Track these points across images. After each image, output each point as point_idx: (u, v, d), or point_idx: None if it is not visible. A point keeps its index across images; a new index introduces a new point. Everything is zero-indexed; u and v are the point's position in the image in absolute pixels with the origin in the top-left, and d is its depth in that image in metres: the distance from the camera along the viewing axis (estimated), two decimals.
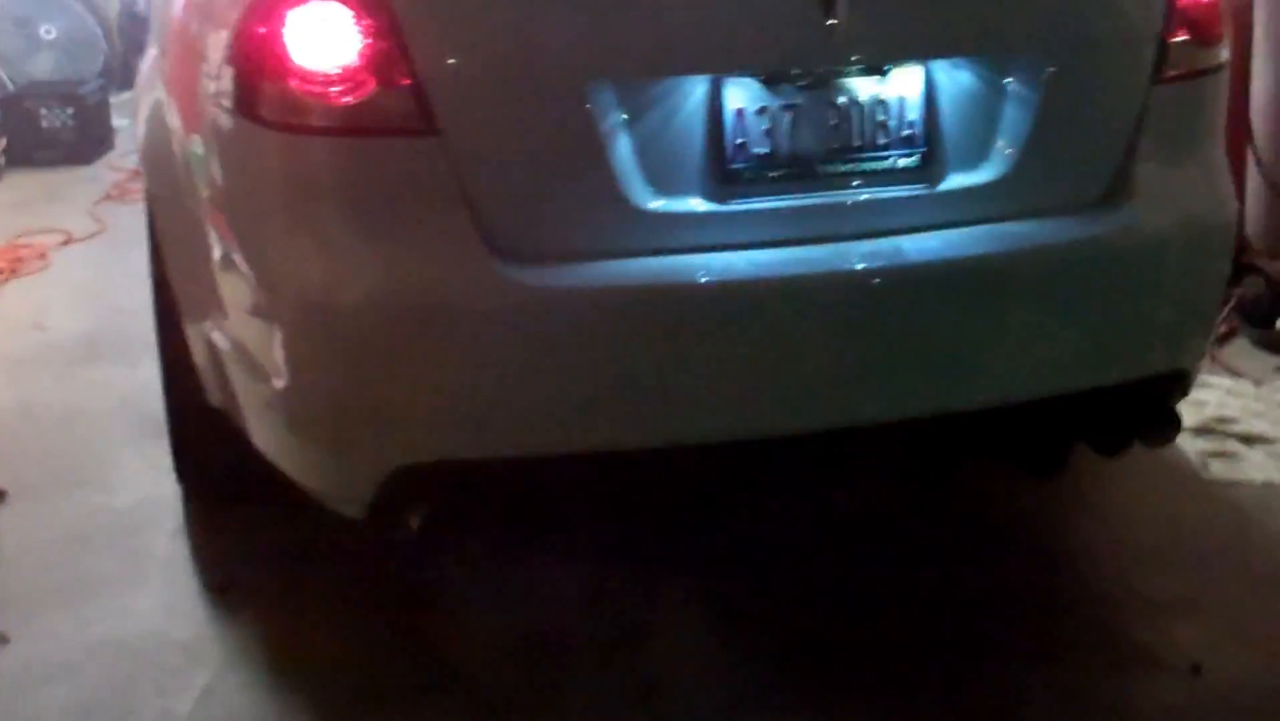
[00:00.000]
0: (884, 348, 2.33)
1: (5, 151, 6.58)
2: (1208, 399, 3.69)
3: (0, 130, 6.62)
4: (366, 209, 2.20)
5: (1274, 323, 4.00)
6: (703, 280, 2.25)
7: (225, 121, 2.30)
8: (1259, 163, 4.51)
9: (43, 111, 6.72)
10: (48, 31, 7.68)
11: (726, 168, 2.29)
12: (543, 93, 2.20)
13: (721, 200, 2.29)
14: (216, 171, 2.37)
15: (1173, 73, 2.50)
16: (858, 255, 2.30)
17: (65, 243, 5.45)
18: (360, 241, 2.20)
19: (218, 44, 2.33)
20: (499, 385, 2.23)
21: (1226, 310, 4.18)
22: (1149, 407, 2.62)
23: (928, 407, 2.38)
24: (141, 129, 2.95)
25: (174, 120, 2.62)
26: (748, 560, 2.93)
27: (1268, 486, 3.28)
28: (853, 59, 2.30)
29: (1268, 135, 4.56)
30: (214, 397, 2.66)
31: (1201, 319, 2.62)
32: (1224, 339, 4.14)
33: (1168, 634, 2.65)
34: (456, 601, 2.83)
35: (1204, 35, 2.53)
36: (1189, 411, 3.57)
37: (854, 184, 2.35)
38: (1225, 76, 2.62)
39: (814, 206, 2.33)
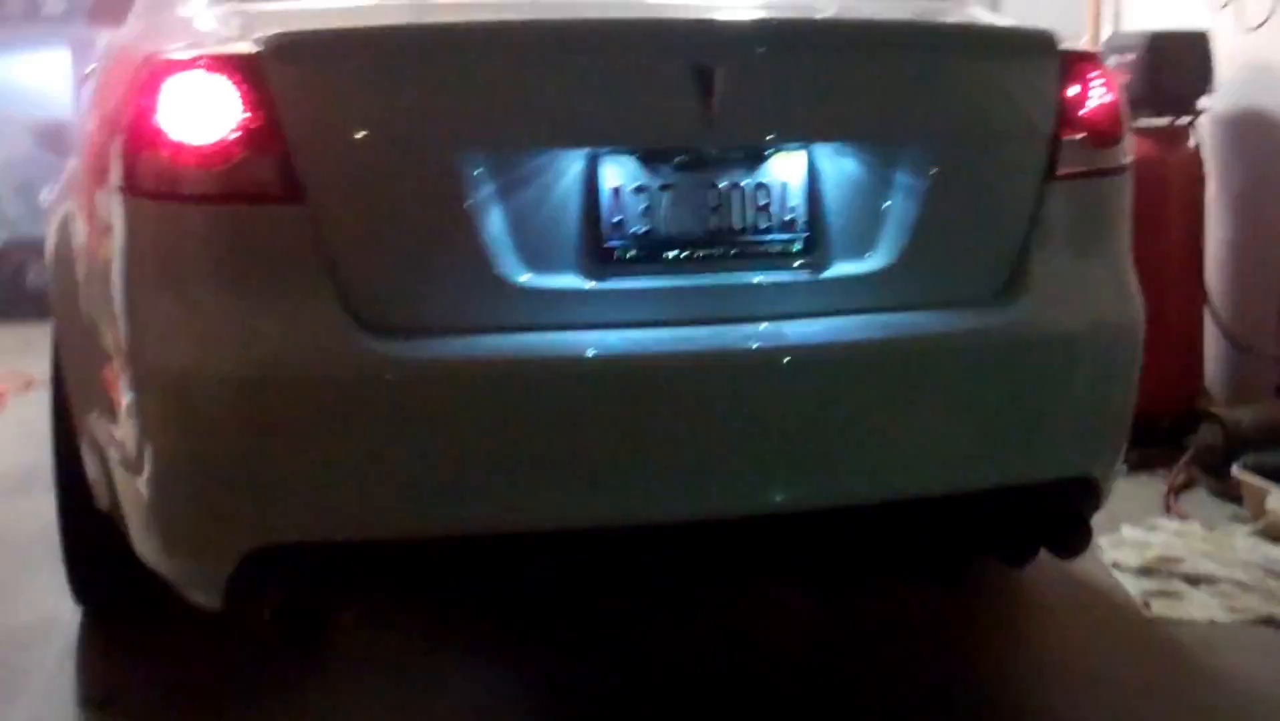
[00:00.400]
0: (762, 434, 2.25)
1: None
2: (1154, 541, 3.56)
3: None
4: (228, 276, 2.16)
5: (1229, 471, 3.89)
6: (574, 358, 2.19)
7: (110, 199, 2.28)
8: (1214, 315, 4.47)
9: (29, 268, 6.81)
10: (46, 198, 7.82)
11: (602, 245, 2.25)
12: (411, 163, 2.18)
13: (597, 278, 2.24)
14: (101, 250, 2.35)
15: (1068, 170, 2.46)
16: (736, 338, 2.25)
17: (26, 386, 5.48)
18: (222, 310, 2.15)
19: (107, 128, 2.34)
20: (358, 463, 2.15)
21: (1184, 459, 4.09)
22: (1055, 515, 2.51)
23: (808, 499, 2.28)
24: (49, 239, 2.95)
25: (73, 215, 2.62)
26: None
27: (1212, 625, 3.13)
28: (731, 141, 2.27)
29: (1223, 290, 4.55)
30: (101, 501, 2.59)
31: (1107, 424, 2.51)
32: (1181, 488, 4.03)
33: None
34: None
35: (1101, 135, 2.50)
36: (1133, 552, 3.49)
37: (734, 267, 2.30)
38: (1128, 180, 2.58)
39: (692, 288, 2.28)
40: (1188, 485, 4.08)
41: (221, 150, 2.14)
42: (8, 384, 5.45)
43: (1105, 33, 4.97)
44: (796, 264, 2.32)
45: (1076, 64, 2.50)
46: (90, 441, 2.55)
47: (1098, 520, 3.40)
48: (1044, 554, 3.37)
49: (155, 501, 2.21)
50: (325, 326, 2.14)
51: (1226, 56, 4.40)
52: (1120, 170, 2.56)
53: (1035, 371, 2.40)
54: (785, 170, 2.31)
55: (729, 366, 2.24)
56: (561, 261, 2.23)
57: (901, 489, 2.33)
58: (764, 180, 2.30)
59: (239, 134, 2.14)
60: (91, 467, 2.60)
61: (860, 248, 2.34)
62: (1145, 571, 3.39)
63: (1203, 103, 4.37)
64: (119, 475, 2.34)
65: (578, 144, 2.23)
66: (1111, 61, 4.34)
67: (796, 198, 2.31)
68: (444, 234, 2.19)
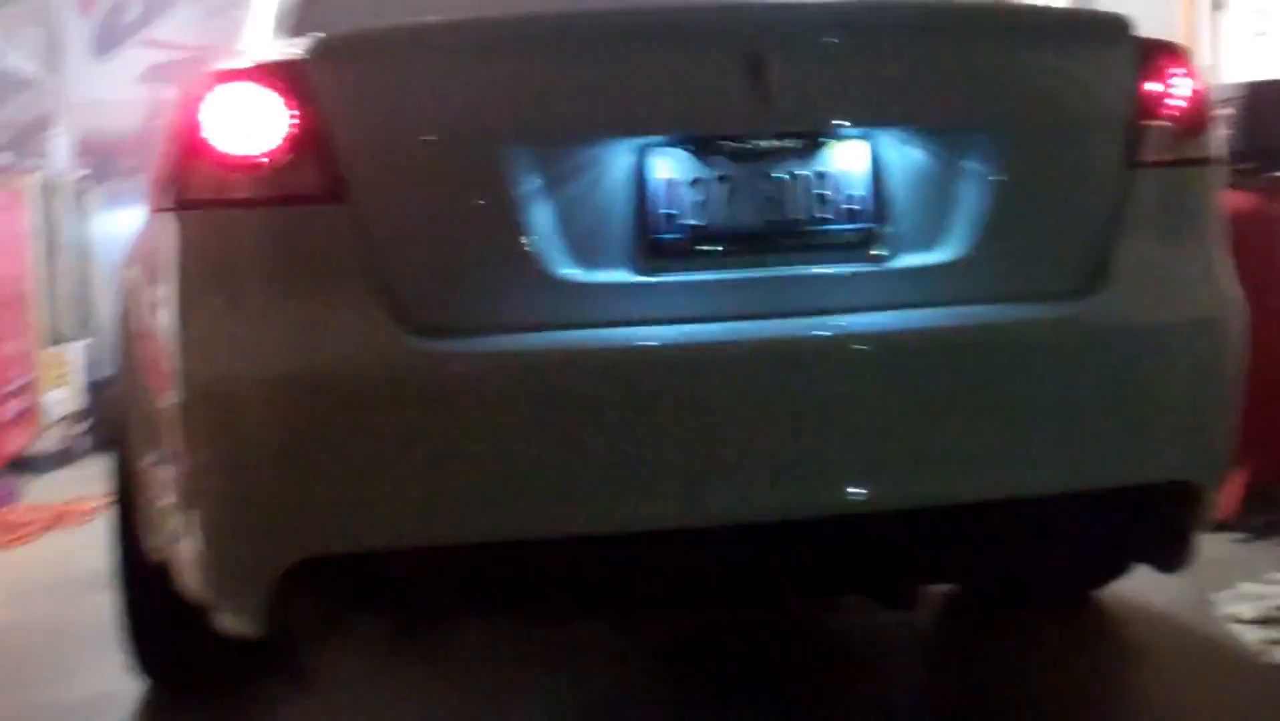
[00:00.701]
0: (830, 432, 2.12)
1: (91, 432, 6.73)
2: (1272, 593, 3.32)
3: (89, 413, 6.79)
4: (272, 278, 2.11)
5: None
6: (628, 353, 2.09)
7: (165, 221, 2.25)
8: None
9: None
10: None
11: (654, 239, 2.16)
12: (455, 159, 2.12)
13: (649, 272, 2.15)
14: (158, 272, 2.30)
15: (1150, 159, 2.33)
16: (797, 330, 2.13)
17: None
18: (268, 315, 2.10)
19: (163, 157, 2.32)
20: (405, 468, 2.06)
21: None
22: (1154, 525, 2.33)
23: (878, 502, 2.13)
24: (116, 306, 2.93)
25: (133, 265, 2.60)
26: None
27: None
28: (787, 130, 2.18)
29: None
30: (151, 541, 2.51)
31: (1204, 425, 2.33)
32: None
33: None
34: None
35: (1182, 124, 2.37)
36: (1251, 606, 3.24)
37: (794, 259, 2.19)
38: (1216, 171, 2.44)
39: (750, 280, 2.17)
40: None
41: (266, 154, 2.10)
42: (97, 502, 5.46)
43: None
44: (861, 255, 2.21)
45: (1154, 52, 2.39)
46: (143, 482, 2.48)
47: (1214, 579, 3.28)
48: (1155, 608, 3.30)
49: (202, 510, 2.13)
50: (370, 327, 2.07)
51: None
52: (1206, 161, 2.42)
53: (1122, 367, 2.25)
54: (847, 159, 2.22)
55: (790, 360, 2.13)
56: (612, 256, 2.14)
57: (980, 491, 2.18)
58: (824, 169, 2.21)
59: (282, 138, 2.09)
60: (143, 510, 2.53)
61: (930, 238, 2.23)
62: (1264, 622, 3.15)
63: None
64: (167, 499, 2.25)
65: (626, 136, 2.16)
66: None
67: (859, 187, 2.21)
68: (489, 230, 2.12)
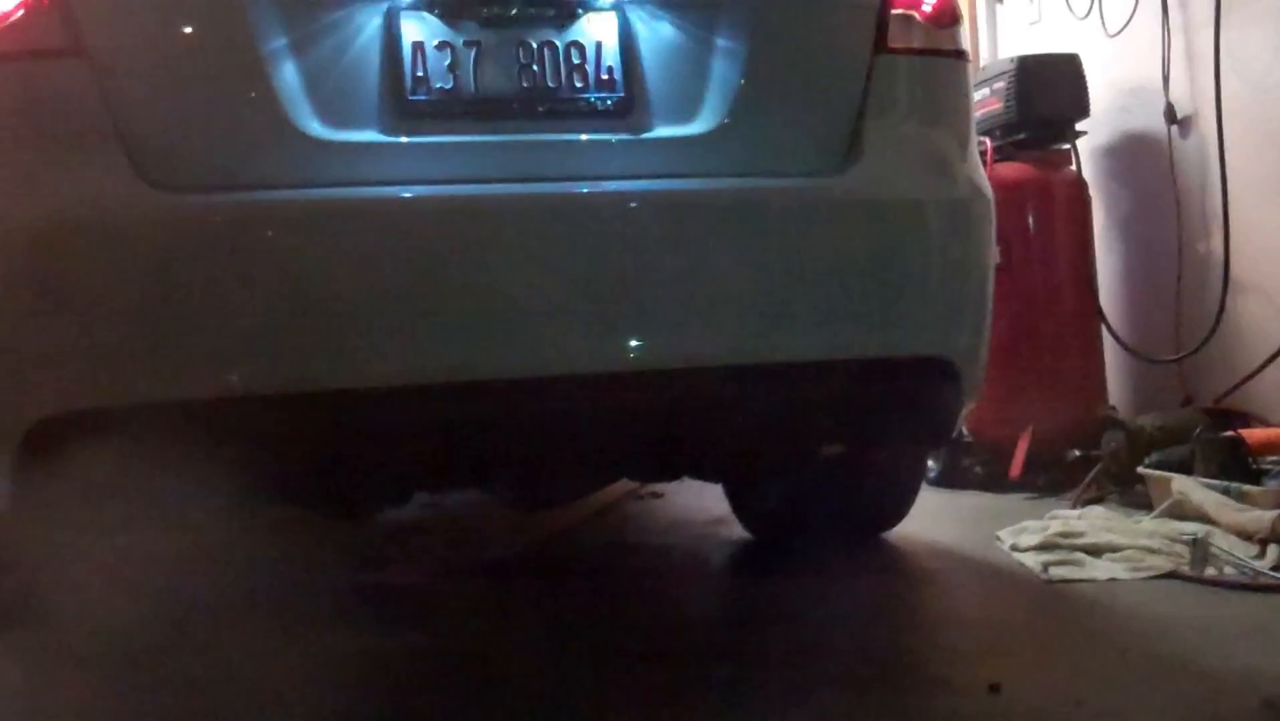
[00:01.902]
0: (576, 291, 2.12)
1: None
2: (1053, 526, 3.38)
3: None
4: (13, 133, 2.05)
5: (1136, 478, 3.73)
6: (371, 210, 2.07)
7: None
8: (1111, 332, 4.41)
9: None
10: None
11: (403, 100, 2.15)
12: (200, 13, 2.10)
13: (399, 133, 2.14)
14: None
15: (900, 45, 2.40)
16: (546, 192, 2.13)
17: None
18: (8, 166, 2.04)
19: None
20: (147, 321, 2.01)
21: (1091, 475, 3.94)
22: (911, 401, 2.37)
23: (625, 360, 2.15)
24: None
25: None
26: None
27: (1114, 582, 2.93)
28: None
29: (1120, 314, 4.49)
30: None
31: (956, 303, 2.39)
32: (1090, 504, 3.86)
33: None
34: None
35: (929, 16, 2.45)
36: (1032, 536, 3.30)
37: (548, 126, 2.20)
38: (964, 65, 2.52)
39: (498, 144, 2.18)
40: (1098, 500, 3.91)
41: (5, 10, 2.05)
42: None
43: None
44: (615, 124, 2.23)
45: None
46: None
47: (999, 527, 3.35)
48: (941, 545, 3.35)
49: None
50: (111, 181, 2.03)
51: (1102, 83, 4.42)
52: (954, 54, 2.50)
53: (870, 241, 2.30)
54: (598, 29, 2.24)
55: (540, 220, 2.13)
56: (361, 116, 2.14)
57: (738, 354, 2.19)
58: (577, 39, 2.23)
59: None
60: None
61: (684, 111, 2.26)
62: (1044, 547, 3.20)
63: (1081, 126, 4.37)
64: None
65: None
66: (985, 92, 4.37)
67: (611, 57, 2.24)
68: (234, 86, 2.09)
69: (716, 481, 3.36)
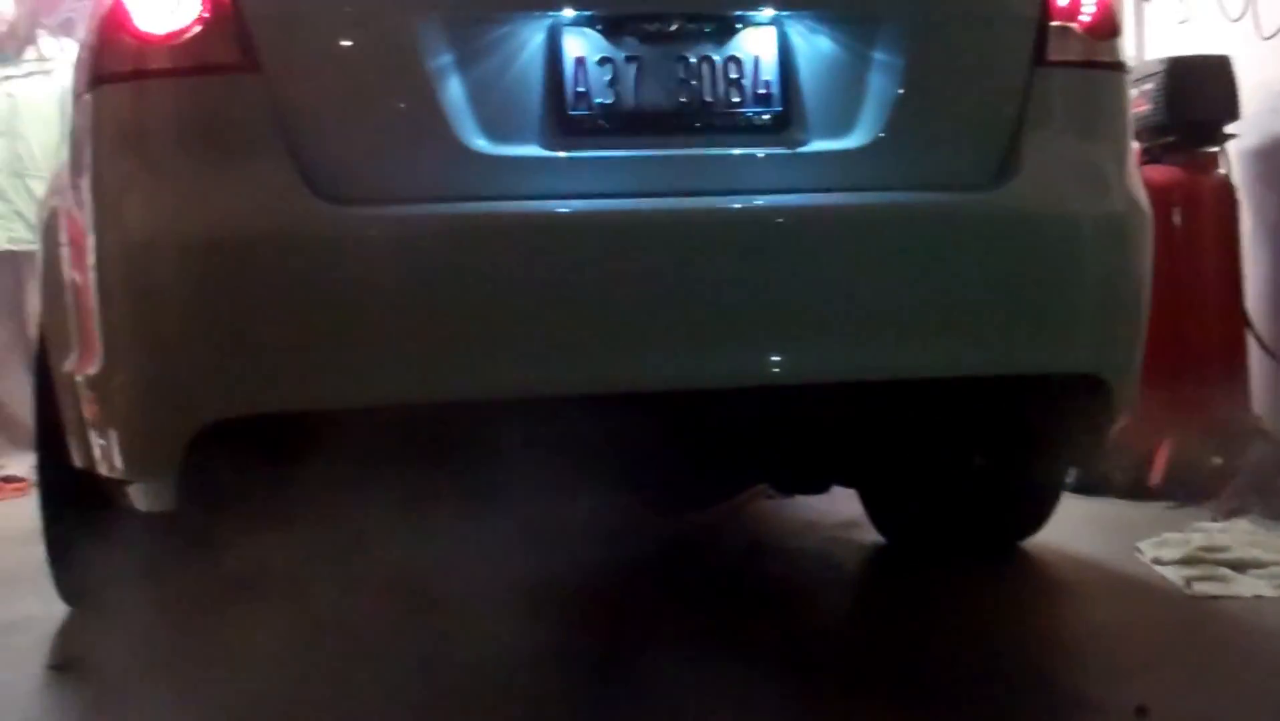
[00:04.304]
0: (735, 305, 2.16)
1: None
2: (1196, 539, 3.33)
3: None
4: (187, 148, 2.14)
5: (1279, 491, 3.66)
6: (535, 225, 2.12)
7: (82, 102, 2.28)
8: (1258, 340, 4.32)
9: None
10: None
11: (565, 115, 2.20)
12: (369, 31, 2.17)
13: (561, 148, 2.19)
14: (72, 153, 2.33)
15: (1059, 58, 2.39)
16: (707, 206, 2.16)
17: None
18: (182, 180, 2.13)
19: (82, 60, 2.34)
20: (313, 330, 2.08)
21: (1233, 485, 3.87)
22: (1065, 418, 2.35)
23: (776, 375, 2.17)
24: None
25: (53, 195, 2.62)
26: None
27: (1259, 600, 2.89)
28: (695, 12, 2.24)
29: (1267, 316, 4.40)
30: (76, 454, 2.51)
31: (1112, 320, 2.38)
32: (1230, 515, 3.79)
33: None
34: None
35: (1089, 27, 2.43)
36: (1175, 549, 3.25)
37: (705, 140, 2.24)
38: (1123, 78, 2.50)
39: (658, 159, 2.22)
40: (1239, 511, 3.84)
41: (181, 27, 2.14)
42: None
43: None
44: (772, 138, 2.26)
45: None
46: (62, 386, 2.48)
47: (1140, 536, 3.30)
48: (1082, 556, 3.31)
49: (117, 373, 2.15)
50: (282, 193, 2.10)
51: (1252, 85, 4.32)
52: (1114, 66, 2.48)
53: (1026, 256, 2.29)
54: (756, 44, 2.27)
55: (698, 235, 2.17)
56: (523, 131, 2.19)
57: (887, 369, 2.21)
58: (735, 54, 2.26)
59: (197, 10, 2.13)
60: (65, 415, 2.52)
61: (841, 125, 2.28)
62: (1188, 561, 3.16)
63: (1230, 129, 4.28)
64: (83, 375, 2.26)
65: (537, 13, 2.21)
66: (1132, 94, 4.29)
67: (769, 72, 2.26)
68: (401, 102, 2.16)
69: (859, 488, 3.36)
